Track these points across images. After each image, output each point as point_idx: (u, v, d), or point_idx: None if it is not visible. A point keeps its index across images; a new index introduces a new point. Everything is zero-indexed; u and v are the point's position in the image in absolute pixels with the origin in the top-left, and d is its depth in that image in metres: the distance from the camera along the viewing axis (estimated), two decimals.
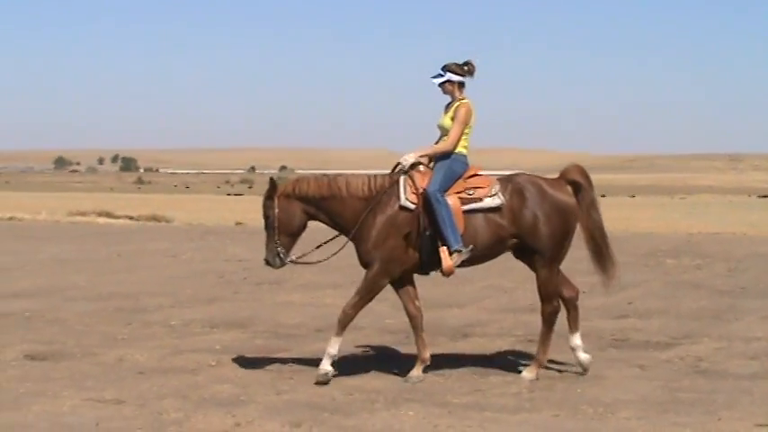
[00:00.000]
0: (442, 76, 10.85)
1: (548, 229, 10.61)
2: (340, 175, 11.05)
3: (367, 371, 10.89)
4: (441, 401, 9.52)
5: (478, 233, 10.60)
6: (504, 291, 17.70)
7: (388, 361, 11.47)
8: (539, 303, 10.85)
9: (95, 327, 13.81)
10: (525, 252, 10.82)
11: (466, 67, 10.86)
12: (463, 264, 10.63)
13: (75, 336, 12.97)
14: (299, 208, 10.72)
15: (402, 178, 10.68)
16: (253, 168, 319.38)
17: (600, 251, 11.12)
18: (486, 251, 10.76)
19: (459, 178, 10.70)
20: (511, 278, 18.75)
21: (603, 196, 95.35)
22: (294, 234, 10.80)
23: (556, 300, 10.85)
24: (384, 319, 14.25)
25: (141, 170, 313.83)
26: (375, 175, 10.96)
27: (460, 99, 10.81)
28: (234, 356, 11.53)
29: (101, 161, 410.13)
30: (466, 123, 10.74)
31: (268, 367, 10.99)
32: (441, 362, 11.26)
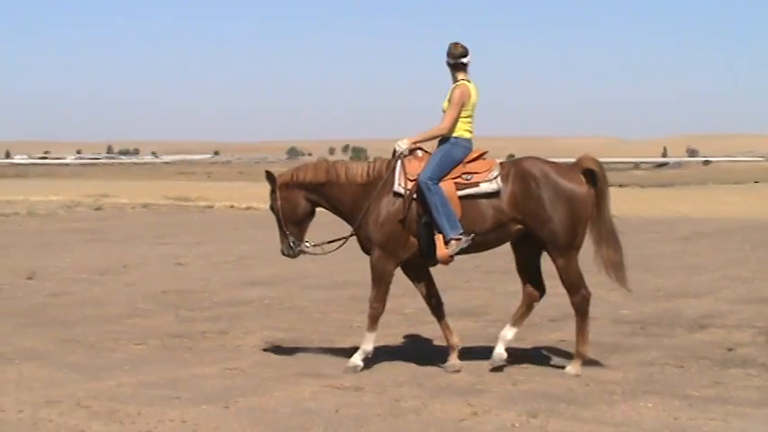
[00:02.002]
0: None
1: (553, 215, 10.25)
2: (339, 161, 11.08)
3: (602, 361, 10.75)
4: (681, 394, 9.31)
5: (477, 219, 10.36)
6: (742, 281, 17.22)
7: (624, 352, 11.31)
8: None
9: (331, 314, 14.09)
10: (534, 240, 10.47)
11: (454, 50, 10.69)
12: (462, 251, 10.43)
13: (313, 323, 13.26)
14: (301, 195, 10.80)
15: (398, 164, 10.54)
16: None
17: (602, 251, 10.65)
18: (488, 237, 10.50)
19: (459, 163, 10.46)
20: (749, 268, 18.27)
21: None
22: (299, 222, 10.90)
23: (583, 287, 10.48)
24: (619, 310, 14.06)
25: (371, 159, 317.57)
26: (374, 161, 10.88)
27: (460, 80, 10.63)
28: (468, 345, 11.55)
29: (331, 151, 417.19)
30: (460, 105, 10.51)
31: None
32: (679, 353, 11.06)
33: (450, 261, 10.55)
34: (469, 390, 9.51)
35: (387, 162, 10.70)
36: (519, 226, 10.41)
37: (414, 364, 10.64)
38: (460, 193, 10.35)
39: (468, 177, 10.38)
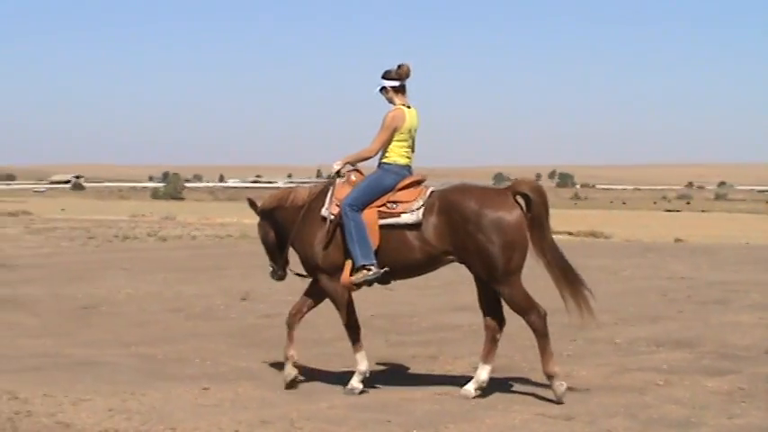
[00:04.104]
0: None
1: (483, 246, 9.87)
2: (297, 187, 11.04)
3: None
4: None
5: (401, 249, 10.12)
6: None
7: None
8: None
9: None
10: (472, 270, 10.15)
11: (400, 70, 10.51)
12: (387, 277, 10.29)
13: (521, 350, 13.16)
14: (267, 223, 10.98)
15: (331, 187, 10.45)
16: (690, 184, 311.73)
17: (556, 275, 10.34)
18: (410, 267, 10.26)
19: (390, 190, 10.24)
20: None
21: None
22: (269, 247, 11.09)
23: (534, 308, 10.14)
24: None
25: (577, 186, 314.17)
26: (317, 185, 10.81)
27: (398, 105, 10.45)
28: (681, 377, 11.31)
29: (538, 177, 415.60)
30: (392, 130, 10.33)
31: (718, 389, 10.69)
32: None
33: (355, 289, 10.44)
34: (684, 423, 9.30)
35: (323, 185, 10.75)
36: (450, 257, 10.22)
37: (626, 395, 10.45)
38: (382, 222, 10.22)
39: (393, 206, 10.27)
